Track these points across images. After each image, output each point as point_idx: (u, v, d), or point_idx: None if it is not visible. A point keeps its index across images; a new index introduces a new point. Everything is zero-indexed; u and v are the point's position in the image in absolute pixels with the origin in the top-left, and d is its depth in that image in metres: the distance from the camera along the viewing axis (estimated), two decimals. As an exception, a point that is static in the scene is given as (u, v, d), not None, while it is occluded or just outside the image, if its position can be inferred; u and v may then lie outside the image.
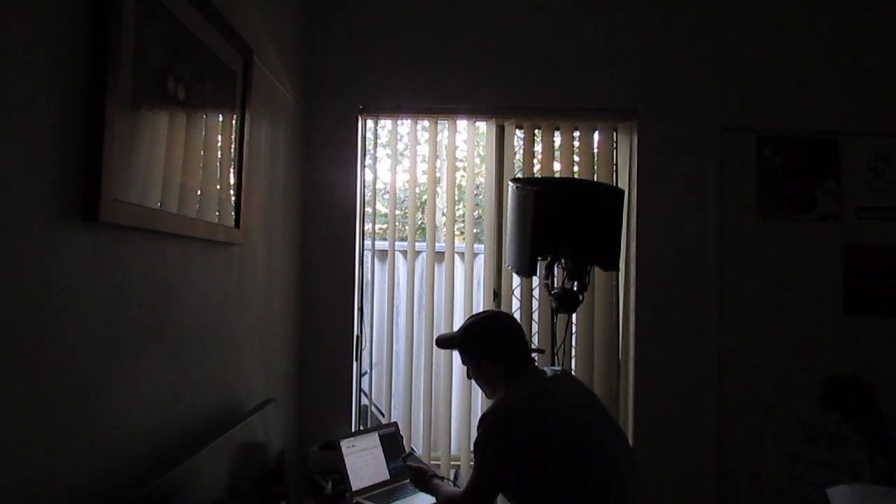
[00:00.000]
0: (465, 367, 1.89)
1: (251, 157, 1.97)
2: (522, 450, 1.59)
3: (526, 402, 1.67)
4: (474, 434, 1.68)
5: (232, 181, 1.83)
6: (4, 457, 0.93)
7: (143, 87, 1.27)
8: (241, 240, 1.88)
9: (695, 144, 2.68)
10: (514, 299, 2.77)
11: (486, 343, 1.81)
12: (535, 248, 2.09)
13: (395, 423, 2.48)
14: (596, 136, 2.78)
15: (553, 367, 1.85)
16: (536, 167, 2.79)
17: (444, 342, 1.96)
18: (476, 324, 1.87)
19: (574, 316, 2.54)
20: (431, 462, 2.68)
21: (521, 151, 2.83)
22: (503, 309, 2.72)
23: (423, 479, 1.93)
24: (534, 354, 2.00)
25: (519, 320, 2.49)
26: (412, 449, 2.21)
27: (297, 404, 2.65)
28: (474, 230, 2.96)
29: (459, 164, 3.01)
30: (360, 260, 2.78)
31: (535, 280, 2.65)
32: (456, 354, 2.72)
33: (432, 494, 1.92)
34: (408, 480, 2.33)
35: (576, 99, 2.72)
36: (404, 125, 2.92)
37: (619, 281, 2.76)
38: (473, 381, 1.90)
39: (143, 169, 1.29)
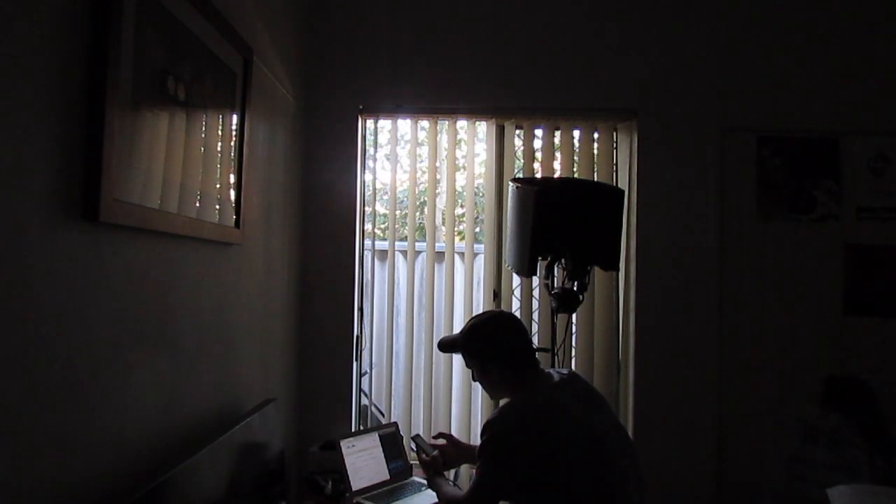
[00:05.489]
0: (471, 370, 1.88)
1: (251, 157, 1.97)
2: (526, 459, 1.58)
3: (531, 410, 1.65)
4: (474, 434, 1.68)
5: (232, 181, 1.83)
6: (4, 457, 0.93)
7: (143, 87, 1.27)
8: (240, 240, 1.88)
9: (695, 144, 2.68)
10: (514, 299, 2.77)
11: (489, 345, 1.78)
12: (535, 248, 2.09)
13: (395, 423, 2.48)
14: (596, 136, 2.78)
15: (560, 370, 1.83)
16: (536, 167, 2.79)
17: (447, 345, 1.93)
18: (479, 325, 1.84)
19: (574, 316, 2.54)
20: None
21: (521, 151, 2.83)
22: (503, 309, 2.72)
23: (430, 470, 1.95)
24: (538, 354, 1.98)
25: (519, 320, 2.49)
26: (418, 433, 2.25)
27: (297, 404, 2.65)
28: (474, 230, 2.96)
29: (459, 165, 3.01)
30: (360, 260, 2.78)
31: (535, 280, 2.65)
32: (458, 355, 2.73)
33: (434, 490, 1.93)
34: (408, 480, 2.35)
35: (576, 99, 2.72)
36: (404, 125, 2.92)
37: (619, 281, 2.76)
38: (476, 383, 1.89)
39: (143, 169, 1.29)
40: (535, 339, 2.70)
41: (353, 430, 2.70)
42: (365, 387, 2.86)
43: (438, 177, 2.87)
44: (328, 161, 2.73)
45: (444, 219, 2.92)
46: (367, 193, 2.87)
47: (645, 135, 2.69)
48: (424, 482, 2.23)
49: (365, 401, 2.88)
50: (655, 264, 2.66)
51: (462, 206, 3.00)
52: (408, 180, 2.95)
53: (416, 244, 2.91)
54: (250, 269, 2.05)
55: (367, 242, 2.84)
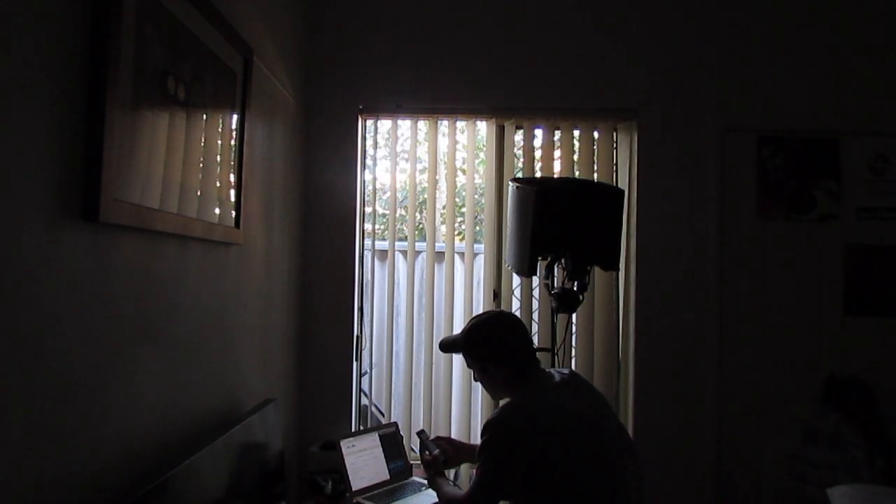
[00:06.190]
0: (472, 371, 1.88)
1: (251, 157, 1.97)
2: (525, 459, 1.58)
3: (531, 410, 1.65)
4: (474, 434, 1.68)
5: (232, 181, 1.83)
6: (4, 457, 0.93)
7: (143, 87, 1.27)
8: (240, 240, 1.88)
9: (695, 144, 2.68)
10: (514, 299, 2.77)
11: (490, 345, 1.78)
12: (535, 248, 2.09)
13: (395, 423, 2.48)
14: (596, 136, 2.78)
15: (561, 370, 1.83)
16: (536, 167, 2.79)
17: (447, 346, 1.93)
18: (479, 326, 1.84)
19: (574, 316, 2.54)
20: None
21: (521, 151, 2.83)
22: (503, 309, 2.72)
23: (431, 470, 1.96)
24: (539, 354, 1.98)
25: (519, 320, 2.49)
26: (423, 429, 2.26)
27: (297, 404, 2.65)
28: (474, 230, 2.96)
29: (459, 165, 3.02)
30: (360, 260, 2.78)
31: (535, 280, 2.65)
32: (458, 355, 2.73)
33: (434, 490, 1.94)
34: (408, 480, 2.35)
35: (576, 99, 2.72)
36: (404, 125, 2.91)
37: (619, 281, 2.76)
38: (477, 383, 1.89)
39: (143, 169, 1.29)
40: (535, 339, 2.70)
41: (353, 430, 2.70)
42: (365, 387, 2.86)
43: (438, 177, 2.87)
44: (328, 161, 2.73)
45: (444, 219, 2.92)
46: (367, 193, 2.87)
47: (645, 135, 2.69)
48: (424, 482, 2.23)
49: (365, 401, 2.88)
50: (655, 264, 2.66)
51: (462, 206, 3.00)
52: (408, 180, 2.95)
53: (416, 244, 2.91)
54: (250, 268, 2.05)
55: (367, 242, 2.84)
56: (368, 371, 2.86)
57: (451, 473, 2.73)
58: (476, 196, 2.96)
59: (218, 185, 1.72)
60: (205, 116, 1.62)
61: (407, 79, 2.73)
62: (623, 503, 1.61)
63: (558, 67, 2.71)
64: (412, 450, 2.67)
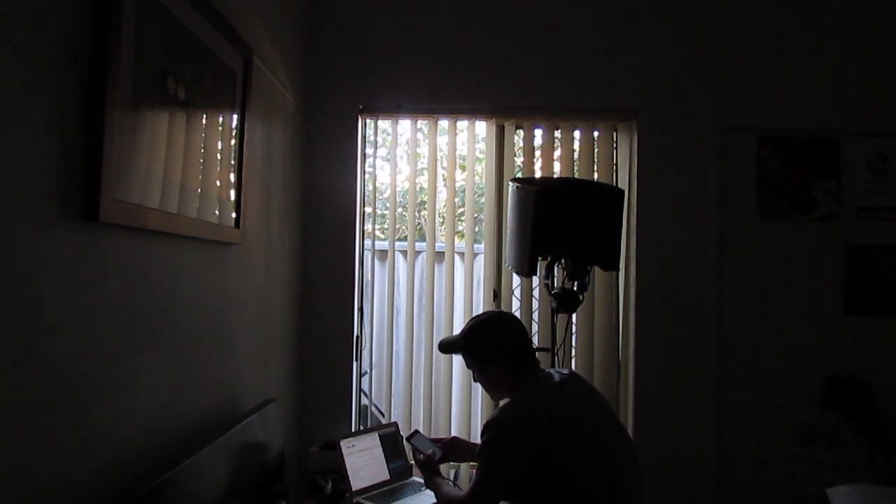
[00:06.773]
0: (471, 371, 1.88)
1: (251, 157, 1.97)
2: (525, 460, 1.58)
3: (531, 410, 1.65)
4: (474, 434, 1.68)
5: (232, 181, 1.83)
6: (3, 457, 0.93)
7: (143, 87, 1.27)
8: (240, 240, 1.88)
9: (695, 144, 2.68)
10: (514, 299, 2.77)
11: (489, 346, 1.78)
12: (535, 248, 2.09)
13: (395, 423, 2.48)
14: (596, 136, 2.78)
15: (560, 371, 1.83)
16: (536, 167, 2.79)
17: (447, 347, 1.93)
18: (478, 326, 1.84)
19: (574, 316, 2.54)
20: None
21: (521, 151, 2.83)
22: (503, 309, 2.72)
23: (428, 471, 1.95)
24: (538, 354, 1.98)
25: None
26: (416, 430, 2.25)
27: (297, 404, 2.65)
28: (474, 230, 2.96)
29: (459, 164, 3.02)
30: (360, 260, 2.78)
31: (535, 280, 2.65)
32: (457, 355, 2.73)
33: (432, 490, 1.93)
34: (408, 480, 2.35)
35: (576, 99, 2.72)
36: (404, 125, 2.91)
37: (619, 281, 2.76)
38: (477, 383, 1.89)
39: (143, 169, 1.29)
40: (535, 339, 2.70)
41: (353, 430, 2.70)
42: (365, 387, 2.86)
43: (438, 177, 2.87)
44: (328, 161, 2.73)
45: (443, 219, 2.92)
46: (367, 193, 2.87)
47: (645, 135, 2.69)
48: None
49: (365, 401, 2.88)
50: (655, 264, 2.66)
51: (462, 206, 3.00)
52: (407, 180, 2.95)
53: (416, 244, 2.91)
54: (250, 268, 2.05)
55: (367, 242, 2.84)
56: (368, 371, 2.86)
57: (450, 473, 2.74)
58: (476, 196, 2.96)
59: (218, 185, 1.72)
60: (205, 116, 1.62)
61: (407, 79, 2.73)
62: (623, 503, 1.61)
63: (558, 67, 2.71)
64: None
